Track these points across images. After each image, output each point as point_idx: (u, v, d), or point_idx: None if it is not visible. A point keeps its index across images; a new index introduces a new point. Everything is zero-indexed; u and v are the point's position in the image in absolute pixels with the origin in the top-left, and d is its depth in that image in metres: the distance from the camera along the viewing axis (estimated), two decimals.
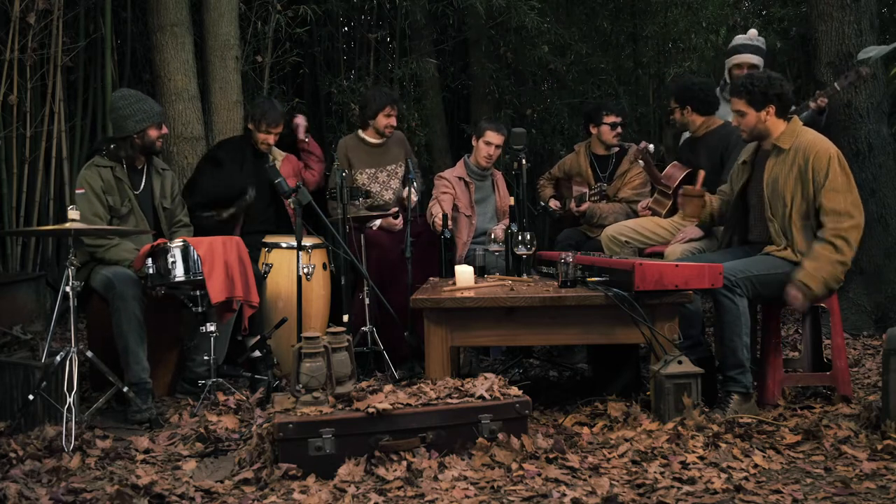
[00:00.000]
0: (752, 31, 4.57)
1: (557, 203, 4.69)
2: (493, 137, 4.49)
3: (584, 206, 4.38)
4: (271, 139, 4.27)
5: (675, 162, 4.10)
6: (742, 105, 3.28)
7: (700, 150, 4.00)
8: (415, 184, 4.13)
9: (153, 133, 3.62)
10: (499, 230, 4.22)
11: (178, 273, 3.31)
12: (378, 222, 4.40)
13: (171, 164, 4.55)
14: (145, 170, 3.71)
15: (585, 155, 4.62)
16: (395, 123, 4.58)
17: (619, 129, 4.54)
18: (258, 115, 4.22)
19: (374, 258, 4.20)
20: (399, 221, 4.36)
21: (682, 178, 3.98)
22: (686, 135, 4.28)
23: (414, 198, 4.13)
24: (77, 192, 3.52)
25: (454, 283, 3.38)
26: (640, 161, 4.21)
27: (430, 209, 4.36)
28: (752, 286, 3.13)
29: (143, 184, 3.69)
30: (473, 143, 4.58)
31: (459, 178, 4.53)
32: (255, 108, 4.27)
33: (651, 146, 4.14)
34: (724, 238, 3.55)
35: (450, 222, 4.19)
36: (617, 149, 4.60)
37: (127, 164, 3.62)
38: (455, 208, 4.44)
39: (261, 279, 3.79)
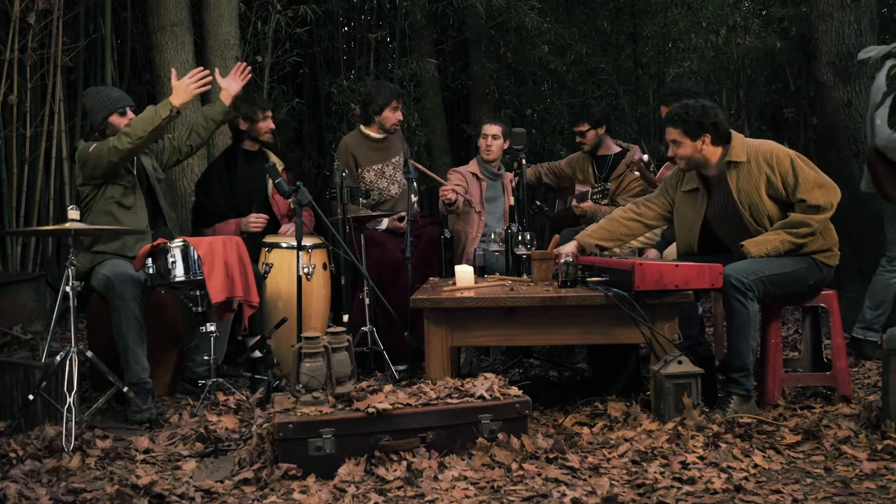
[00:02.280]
0: None
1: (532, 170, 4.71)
2: (487, 128, 4.55)
3: (586, 205, 4.38)
4: (271, 123, 4.24)
5: (668, 163, 4.08)
6: (677, 135, 3.25)
7: None
8: (414, 183, 4.14)
9: (116, 121, 3.57)
10: (501, 230, 4.23)
11: (178, 273, 3.31)
12: (384, 223, 4.40)
13: None
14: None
15: (587, 156, 4.64)
16: (401, 118, 4.57)
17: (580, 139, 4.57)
18: (248, 109, 4.17)
19: (374, 258, 4.20)
20: (405, 224, 4.36)
21: None
22: None
23: (414, 197, 4.13)
24: (89, 150, 3.48)
25: (454, 283, 3.38)
26: (636, 171, 4.19)
27: (443, 189, 4.34)
28: (764, 286, 3.11)
29: (134, 166, 3.68)
30: (478, 143, 4.62)
31: (472, 174, 4.56)
32: (242, 106, 4.18)
33: (646, 156, 4.11)
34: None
35: (457, 197, 4.18)
36: (618, 149, 4.62)
37: None
38: (467, 203, 4.45)
39: (261, 279, 3.79)
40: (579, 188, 4.57)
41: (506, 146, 4.59)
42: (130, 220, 3.54)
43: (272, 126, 4.26)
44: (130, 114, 3.64)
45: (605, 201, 4.37)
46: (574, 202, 4.45)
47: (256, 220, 4.12)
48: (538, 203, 4.86)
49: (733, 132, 3.29)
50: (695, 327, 3.40)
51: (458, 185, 4.43)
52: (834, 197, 3.16)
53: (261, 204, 4.24)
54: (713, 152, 3.26)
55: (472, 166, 4.62)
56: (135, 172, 3.66)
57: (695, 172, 3.37)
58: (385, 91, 4.51)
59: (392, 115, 4.49)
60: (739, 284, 3.05)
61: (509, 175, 4.63)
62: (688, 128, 3.22)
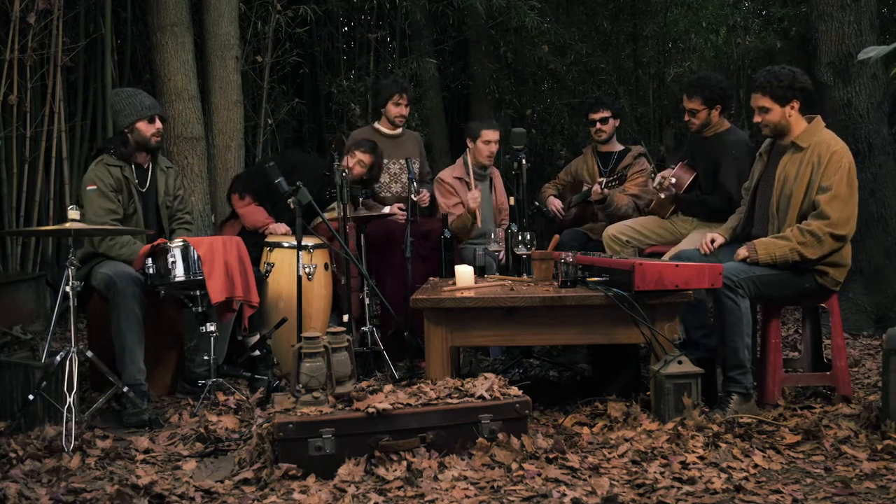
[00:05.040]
0: None
1: (558, 203, 4.69)
2: (491, 135, 4.56)
3: (607, 191, 4.36)
4: (350, 162, 4.24)
5: (682, 163, 4.06)
6: (766, 101, 3.24)
7: (703, 151, 3.97)
8: (414, 184, 4.14)
9: (143, 127, 3.57)
10: (500, 231, 4.24)
11: (178, 273, 3.31)
12: (386, 209, 4.40)
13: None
14: (150, 168, 3.70)
15: (592, 155, 4.66)
16: (405, 113, 4.62)
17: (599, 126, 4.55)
18: (351, 142, 4.29)
19: (374, 258, 4.20)
20: (403, 214, 4.38)
21: (690, 182, 3.94)
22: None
23: (414, 197, 4.13)
24: (88, 188, 3.49)
25: (454, 283, 3.38)
26: (662, 194, 4.11)
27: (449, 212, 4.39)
28: (755, 286, 3.13)
29: (148, 183, 3.68)
30: (469, 145, 4.61)
31: (458, 179, 4.55)
32: (355, 135, 4.32)
33: (673, 179, 4.01)
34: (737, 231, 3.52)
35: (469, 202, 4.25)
36: (621, 147, 4.64)
37: (132, 162, 3.61)
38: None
39: (261, 279, 3.78)
40: (587, 188, 4.56)
41: None
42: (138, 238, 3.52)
43: (351, 166, 4.23)
44: (158, 122, 3.63)
45: (620, 188, 4.36)
46: (596, 187, 4.39)
47: (279, 229, 4.08)
48: (536, 203, 4.86)
49: (817, 118, 3.29)
50: (702, 318, 3.40)
51: (452, 197, 4.48)
52: (847, 219, 3.11)
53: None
54: (798, 121, 3.25)
55: (458, 170, 4.61)
56: (143, 190, 3.65)
57: (768, 142, 3.39)
58: (390, 85, 4.62)
59: (394, 109, 4.58)
60: (730, 282, 3.06)
61: (496, 169, 4.68)
62: (778, 93, 3.21)
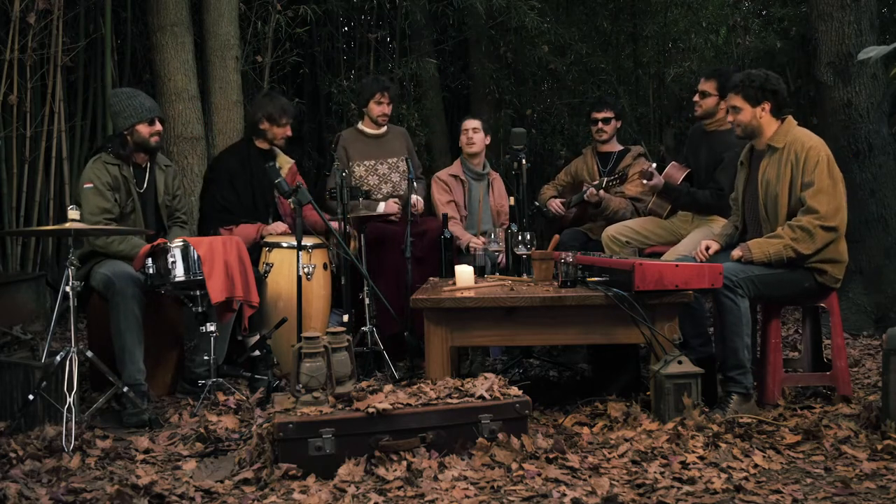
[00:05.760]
0: None
1: (558, 203, 4.69)
2: (468, 124, 4.59)
3: (602, 194, 4.36)
4: (289, 131, 4.18)
5: (674, 162, 4.07)
6: (738, 101, 3.28)
7: (704, 144, 3.96)
8: (415, 184, 4.14)
9: (143, 129, 3.56)
10: (500, 232, 4.24)
11: (178, 273, 3.31)
12: (381, 207, 4.38)
13: None
14: (149, 167, 3.70)
15: (592, 155, 4.66)
16: (387, 111, 4.55)
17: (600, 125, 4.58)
18: (274, 110, 4.10)
19: (374, 257, 4.20)
20: (398, 209, 4.36)
21: (683, 178, 3.96)
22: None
23: (414, 197, 4.13)
24: (85, 186, 3.48)
25: (454, 283, 3.38)
26: (644, 181, 4.13)
27: (459, 237, 4.38)
28: (755, 286, 3.13)
29: (146, 182, 3.68)
30: (461, 144, 4.63)
31: (455, 177, 4.56)
32: (269, 105, 4.13)
33: (654, 165, 4.06)
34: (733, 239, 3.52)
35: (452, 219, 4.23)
36: (621, 147, 4.64)
37: (130, 162, 3.61)
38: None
39: (261, 279, 3.78)
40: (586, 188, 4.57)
41: (487, 141, 4.62)
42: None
43: (289, 134, 4.20)
44: (158, 124, 3.62)
45: (619, 189, 4.36)
46: (591, 191, 4.40)
47: (277, 228, 4.08)
48: (536, 203, 4.86)
49: (788, 117, 3.31)
50: (699, 328, 3.40)
51: (446, 195, 4.51)
52: (835, 211, 3.12)
53: (273, 204, 4.19)
54: (769, 122, 3.27)
55: (455, 168, 4.62)
56: (142, 189, 3.64)
57: (746, 148, 3.40)
58: (371, 84, 4.54)
59: (376, 108, 4.50)
60: (729, 282, 3.06)
61: (496, 174, 4.67)
62: (749, 94, 3.24)
